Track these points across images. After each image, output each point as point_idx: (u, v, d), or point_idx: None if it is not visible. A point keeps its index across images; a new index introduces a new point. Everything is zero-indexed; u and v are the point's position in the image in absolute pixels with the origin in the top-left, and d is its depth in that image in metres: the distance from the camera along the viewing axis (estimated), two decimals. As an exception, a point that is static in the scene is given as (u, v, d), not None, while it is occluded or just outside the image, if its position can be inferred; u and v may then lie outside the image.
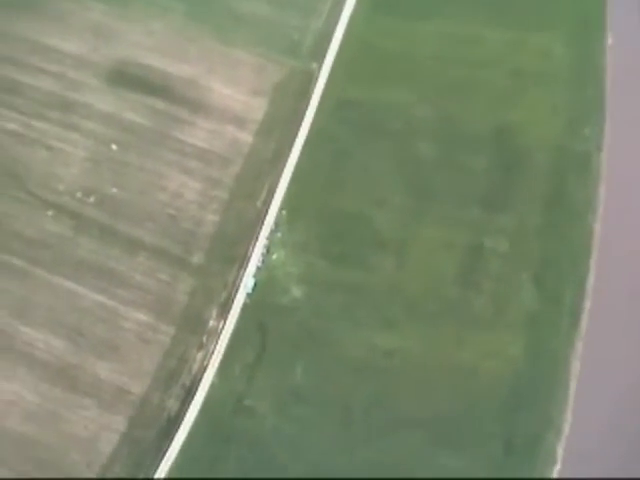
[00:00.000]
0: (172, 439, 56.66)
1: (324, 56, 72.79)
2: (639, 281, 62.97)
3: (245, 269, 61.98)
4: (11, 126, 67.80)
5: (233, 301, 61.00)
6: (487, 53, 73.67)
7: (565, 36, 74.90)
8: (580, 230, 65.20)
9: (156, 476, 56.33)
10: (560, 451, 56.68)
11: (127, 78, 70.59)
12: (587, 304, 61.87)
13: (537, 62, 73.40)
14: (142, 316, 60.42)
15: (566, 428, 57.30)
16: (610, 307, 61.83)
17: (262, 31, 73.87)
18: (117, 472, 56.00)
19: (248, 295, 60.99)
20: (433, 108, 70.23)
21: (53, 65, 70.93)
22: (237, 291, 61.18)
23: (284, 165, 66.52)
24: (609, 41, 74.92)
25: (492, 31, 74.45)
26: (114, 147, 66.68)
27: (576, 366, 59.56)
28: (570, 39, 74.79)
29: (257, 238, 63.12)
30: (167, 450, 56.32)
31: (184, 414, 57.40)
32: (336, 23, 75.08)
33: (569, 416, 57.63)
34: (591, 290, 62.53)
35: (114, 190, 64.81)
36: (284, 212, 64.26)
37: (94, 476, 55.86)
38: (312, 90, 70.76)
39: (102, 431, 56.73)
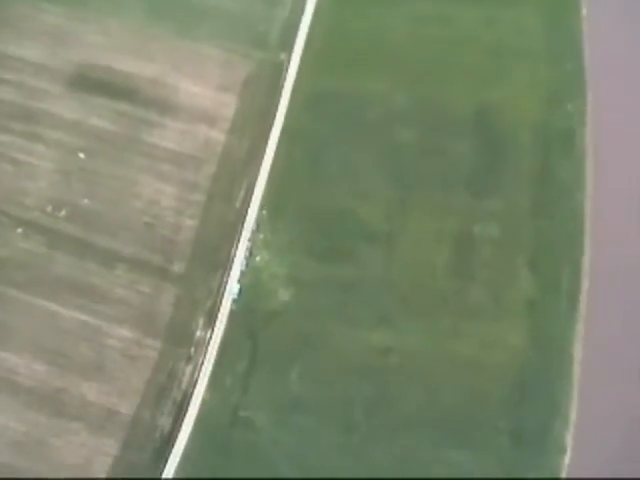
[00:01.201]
0: (167, 458, 54.82)
1: (293, 46, 71.16)
2: (634, 257, 62.08)
3: (229, 274, 60.41)
4: (-29, 141, 65.26)
5: (219, 309, 59.45)
6: (461, 32, 72.56)
7: (539, 10, 74.31)
8: (571, 209, 64.52)
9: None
10: (569, 439, 55.41)
11: (89, 82, 68.67)
12: (584, 285, 60.62)
13: (513, 38, 72.52)
14: (126, 332, 58.72)
15: (573, 416, 56.08)
16: (608, 286, 60.93)
17: (226, 24, 72.04)
18: (112, 498, 54.21)
19: (234, 301, 59.51)
20: (410, 93, 69.07)
21: (11, 73, 68.99)
22: (222, 298, 59.52)
23: (260, 163, 65.03)
24: (584, 12, 73.65)
25: (464, 9, 73.61)
26: (82, 156, 64.95)
27: (578, 350, 58.32)
28: (544, 12, 74.21)
29: (239, 241, 61.62)
30: (163, 470, 54.47)
31: (178, 431, 55.80)
32: (302, 11, 73.40)
33: (576, 403, 56.31)
34: (587, 270, 61.26)
35: (86, 201, 63.00)
36: (265, 212, 62.86)
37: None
38: (283, 82, 69.17)
39: (94, 456, 55.06)
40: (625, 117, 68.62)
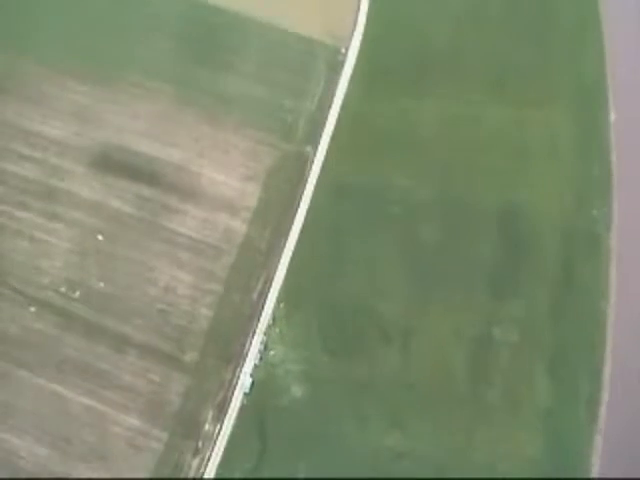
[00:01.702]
0: None
1: (319, 139, 72.48)
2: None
3: (242, 367, 60.73)
4: (-9, 216, 66.27)
5: (230, 402, 59.59)
6: (488, 131, 73.65)
7: (567, 111, 75.32)
8: (592, 316, 64.82)
9: None
10: None
11: (113, 164, 69.72)
12: (604, 396, 60.39)
13: (540, 139, 73.46)
14: (132, 420, 58.72)
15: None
16: (628, 399, 60.49)
17: (254, 113, 73.36)
18: None
19: (246, 395, 59.58)
20: (435, 190, 69.98)
21: (35, 151, 70.16)
22: (234, 391, 59.61)
23: (280, 255, 65.71)
24: (612, 116, 74.61)
25: (493, 108, 74.61)
26: (100, 238, 65.67)
27: (596, 464, 57.75)
28: (572, 114, 75.25)
29: (254, 333, 61.95)
30: None
31: (181, 527, 55.29)
32: (330, 104, 74.91)
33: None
34: (608, 380, 60.95)
35: (101, 284, 63.53)
36: (282, 305, 63.16)
37: None
38: (307, 174, 70.29)
39: None
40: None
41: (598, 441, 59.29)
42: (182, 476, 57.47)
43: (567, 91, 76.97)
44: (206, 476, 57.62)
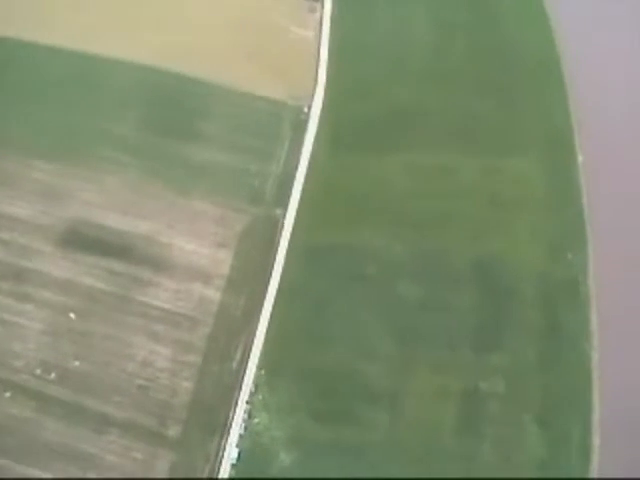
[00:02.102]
0: None
1: (288, 201, 73.18)
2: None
3: (227, 438, 60.17)
4: (-40, 302, 65.92)
5: (217, 475, 58.79)
6: (460, 183, 74.91)
7: (537, 159, 76.89)
8: (578, 361, 65.34)
9: None
10: None
11: (82, 240, 69.82)
12: (595, 441, 60.69)
13: (512, 188, 74.75)
14: (119, 501, 57.91)
15: None
16: (620, 441, 60.70)
17: (221, 180, 74.30)
18: None
19: (233, 466, 59.14)
20: (410, 246, 70.57)
21: (2, 232, 69.90)
22: (221, 463, 59.08)
23: (257, 321, 65.80)
24: (580, 159, 75.95)
25: (463, 159, 75.95)
26: (73, 316, 65.41)
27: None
28: (542, 162, 76.81)
29: (237, 403, 61.57)
30: None
31: None
32: (296, 165, 75.90)
33: None
34: (597, 426, 61.35)
35: (76, 363, 63.13)
36: (263, 372, 63.11)
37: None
38: (279, 238, 70.82)
39: None
40: (628, 264, 69.75)
41: (593, 486, 59.04)
42: None
43: (534, 137, 78.83)
44: None
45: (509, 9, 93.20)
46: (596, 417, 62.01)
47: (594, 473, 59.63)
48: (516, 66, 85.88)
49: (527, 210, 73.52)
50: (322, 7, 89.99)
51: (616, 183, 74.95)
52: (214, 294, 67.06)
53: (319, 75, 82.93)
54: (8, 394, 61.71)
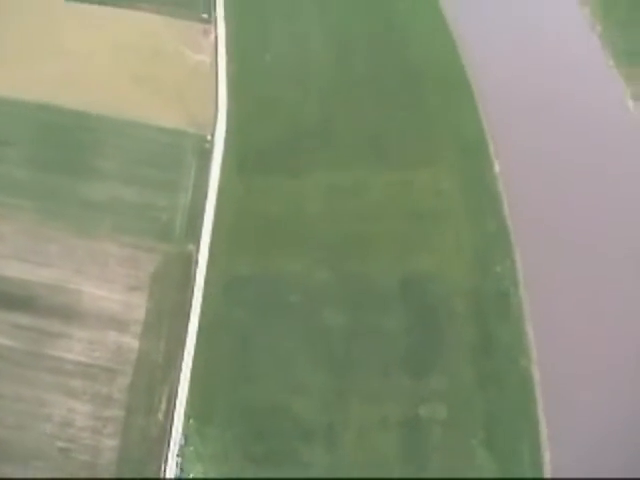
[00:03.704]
0: None
1: (200, 234, 71.10)
2: (590, 418, 61.98)
3: (161, 496, 57.42)
4: None
5: (155, 539, 56.06)
6: (375, 199, 74.24)
7: (453, 169, 76.88)
8: (518, 377, 64.52)
9: None
10: None
11: (-19, 295, 65.79)
12: (546, 456, 60.16)
13: (430, 201, 74.44)
14: None
15: None
16: (570, 454, 60.21)
17: (127, 217, 71.87)
18: None
19: (170, 527, 56.33)
20: (332, 270, 69.17)
21: None
22: (157, 525, 56.32)
23: (180, 366, 63.31)
24: (496, 168, 75.81)
25: (376, 175, 75.64)
26: (-21, 379, 61.62)
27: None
28: (458, 172, 76.78)
29: (167, 457, 58.68)
30: None
31: None
32: (205, 195, 74.05)
33: None
34: (546, 440, 60.86)
35: (-12, 429, 59.46)
36: (192, 420, 60.56)
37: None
38: (194, 274, 68.55)
39: None
40: (558, 270, 69.65)
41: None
42: None
43: (447, 147, 78.85)
44: None
45: (407, 20, 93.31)
46: (544, 432, 60.96)
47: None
48: (421, 77, 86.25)
49: (448, 223, 72.97)
50: (216, 29, 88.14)
51: (536, 189, 74.66)
52: (131, 341, 64.27)
53: (219, 99, 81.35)
54: None
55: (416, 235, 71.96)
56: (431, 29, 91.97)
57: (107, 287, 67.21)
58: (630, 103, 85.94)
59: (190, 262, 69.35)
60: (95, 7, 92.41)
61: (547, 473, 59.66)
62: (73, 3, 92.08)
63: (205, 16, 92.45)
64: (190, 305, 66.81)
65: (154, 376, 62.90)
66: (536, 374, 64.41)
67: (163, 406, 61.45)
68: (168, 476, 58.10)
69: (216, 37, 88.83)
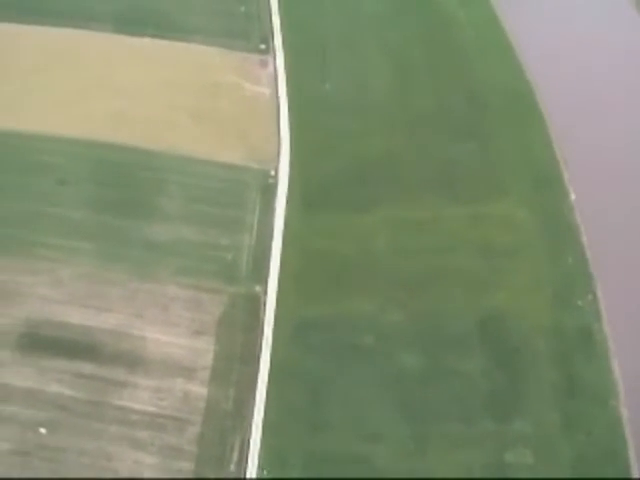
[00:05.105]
0: None
1: (267, 274, 69.33)
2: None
3: None
4: None
5: None
6: (447, 235, 72.28)
7: (525, 200, 75.32)
8: (605, 418, 61.79)
9: None
10: None
11: (43, 342, 64.57)
12: (637, 501, 57.48)
13: (504, 235, 72.67)
14: None
15: None
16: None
17: (190, 259, 70.29)
18: None
19: None
20: (404, 309, 67.20)
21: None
22: None
23: (252, 413, 61.18)
24: (572, 196, 73.55)
25: (445, 209, 73.87)
26: (43, 431, 60.15)
27: None
28: (532, 203, 75.23)
29: (242, 510, 56.82)
30: None
31: None
32: (271, 234, 72.44)
33: None
34: (638, 483, 58.25)
35: (52, 485, 57.89)
36: (265, 472, 58.44)
37: None
38: (263, 317, 66.61)
39: None
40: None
41: None
42: None
43: (519, 177, 76.99)
44: None
45: (469, 42, 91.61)
46: (636, 476, 58.35)
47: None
48: (487, 103, 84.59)
49: (524, 257, 70.95)
50: (274, 60, 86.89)
51: (615, 216, 72.29)
52: (199, 389, 62.44)
53: (282, 133, 79.61)
54: (-22, 523, 56.38)
55: (490, 271, 69.83)
56: (496, 54, 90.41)
57: (172, 332, 65.61)
58: None
59: (258, 304, 67.61)
60: (147, 40, 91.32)
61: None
62: (123, 36, 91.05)
63: (263, 47, 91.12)
64: (259, 349, 64.91)
65: (224, 425, 60.97)
66: (624, 414, 61.58)
67: (235, 456, 59.45)
68: (244, 532, 55.91)
69: (275, 68, 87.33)
